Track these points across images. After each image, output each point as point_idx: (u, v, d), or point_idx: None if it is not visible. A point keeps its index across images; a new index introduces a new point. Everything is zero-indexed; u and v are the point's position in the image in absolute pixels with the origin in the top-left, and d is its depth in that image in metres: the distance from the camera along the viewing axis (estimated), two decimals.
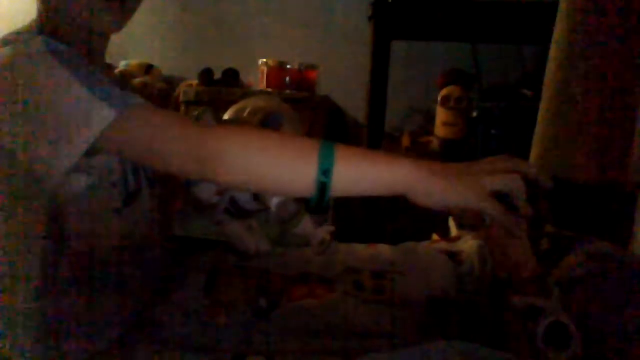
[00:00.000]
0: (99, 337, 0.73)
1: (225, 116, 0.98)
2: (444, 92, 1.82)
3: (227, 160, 0.61)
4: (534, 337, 0.67)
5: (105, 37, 0.78)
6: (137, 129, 0.63)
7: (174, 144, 0.62)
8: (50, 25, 0.72)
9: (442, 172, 0.62)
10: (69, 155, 0.61)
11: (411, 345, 0.64)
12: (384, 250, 0.99)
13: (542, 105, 1.24)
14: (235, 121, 0.96)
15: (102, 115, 0.60)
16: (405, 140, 2.01)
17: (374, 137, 1.89)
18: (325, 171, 0.60)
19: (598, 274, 0.78)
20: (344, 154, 0.61)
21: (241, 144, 0.62)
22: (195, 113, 0.88)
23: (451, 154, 1.84)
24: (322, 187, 0.60)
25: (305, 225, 0.89)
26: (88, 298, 0.72)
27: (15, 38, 0.68)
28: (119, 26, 0.73)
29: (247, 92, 2.03)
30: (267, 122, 0.96)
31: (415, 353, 0.63)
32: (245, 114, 0.97)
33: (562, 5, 1.19)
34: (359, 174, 0.63)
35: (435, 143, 1.88)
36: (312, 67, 2.15)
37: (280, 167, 0.63)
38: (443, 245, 1.01)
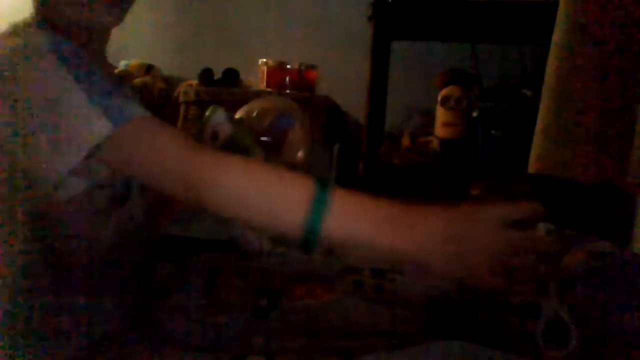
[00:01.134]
0: (97, 336, 0.73)
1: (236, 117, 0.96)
2: (444, 92, 1.82)
3: (215, 194, 0.60)
4: (534, 334, 0.67)
5: (105, 34, 0.77)
6: (132, 148, 0.62)
7: (167, 168, 0.61)
8: (48, 20, 0.71)
9: (455, 242, 0.57)
10: (67, 161, 0.60)
11: (411, 345, 0.64)
12: None
13: (542, 105, 1.24)
14: (246, 121, 0.94)
15: (99, 128, 0.60)
16: (405, 140, 2.01)
17: (374, 137, 1.89)
18: (313, 224, 0.57)
19: (598, 272, 0.78)
20: (340, 207, 0.58)
21: (234, 180, 0.61)
22: (207, 112, 0.87)
23: (451, 154, 1.84)
24: (308, 239, 0.58)
25: None
26: (84, 298, 0.72)
27: (19, 31, 0.68)
28: (117, 23, 0.73)
29: (247, 92, 2.03)
30: (278, 124, 0.95)
31: (415, 353, 0.63)
32: (254, 116, 0.96)
33: (562, 5, 1.19)
34: (355, 232, 0.59)
35: (435, 143, 1.88)
36: (312, 67, 2.15)
37: (269, 211, 0.60)
38: None
